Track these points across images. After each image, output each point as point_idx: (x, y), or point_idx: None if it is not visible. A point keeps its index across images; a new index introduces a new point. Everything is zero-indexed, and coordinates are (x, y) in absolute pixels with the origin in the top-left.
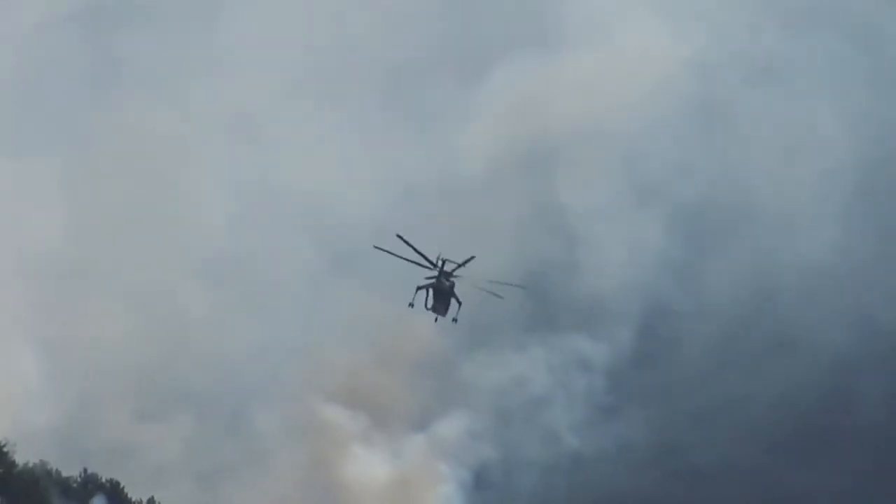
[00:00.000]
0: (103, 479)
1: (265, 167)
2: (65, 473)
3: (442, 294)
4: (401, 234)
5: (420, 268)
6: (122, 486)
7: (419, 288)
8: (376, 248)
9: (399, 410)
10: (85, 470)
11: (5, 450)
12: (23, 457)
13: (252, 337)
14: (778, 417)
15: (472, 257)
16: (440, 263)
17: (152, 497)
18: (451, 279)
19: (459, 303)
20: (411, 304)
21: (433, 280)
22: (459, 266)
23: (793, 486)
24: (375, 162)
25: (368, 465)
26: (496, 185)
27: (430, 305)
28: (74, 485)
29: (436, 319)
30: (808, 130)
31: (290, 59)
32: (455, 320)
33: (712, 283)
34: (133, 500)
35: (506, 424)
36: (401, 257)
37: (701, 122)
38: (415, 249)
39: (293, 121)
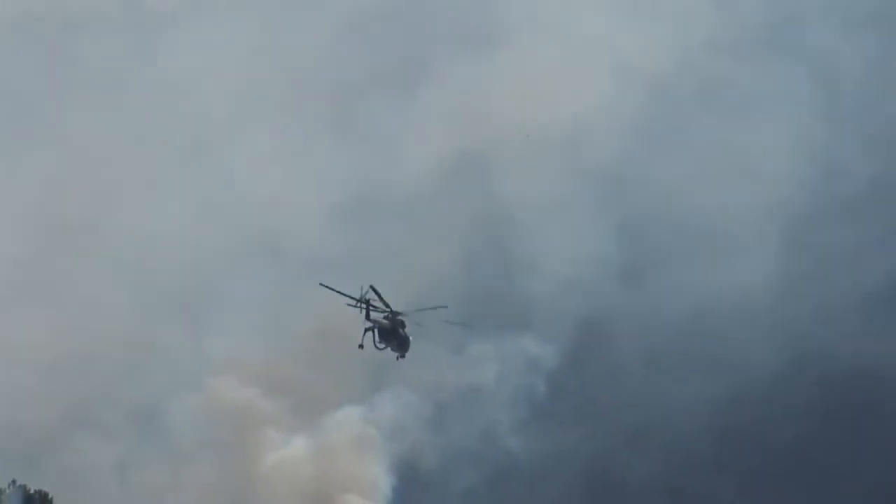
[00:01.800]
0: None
1: (209, 186)
2: None
3: (385, 332)
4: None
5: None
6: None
7: (366, 330)
8: (322, 285)
9: (327, 398)
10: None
11: None
12: None
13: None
14: (708, 433)
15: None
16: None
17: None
18: (398, 317)
19: (407, 339)
20: (361, 346)
21: (378, 319)
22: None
23: (721, 499)
24: (318, 179)
25: (290, 449)
26: (441, 191)
27: (378, 345)
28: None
29: (397, 358)
30: (756, 155)
31: (230, 83)
32: (400, 357)
33: (652, 295)
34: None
35: (437, 416)
36: (345, 295)
37: (650, 132)
38: (361, 301)
39: (237, 141)
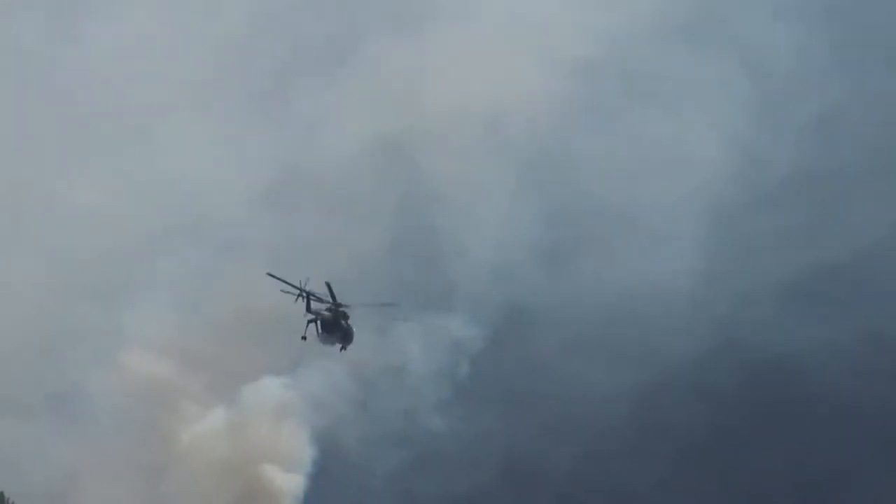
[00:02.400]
0: None
1: (133, 168)
2: None
3: (328, 324)
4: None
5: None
6: None
7: (309, 321)
8: (270, 275)
9: (247, 372)
10: None
11: None
12: None
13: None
14: (628, 420)
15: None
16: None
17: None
18: (341, 308)
19: (350, 330)
20: (304, 337)
21: (320, 311)
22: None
23: (640, 486)
24: (243, 162)
25: (209, 422)
26: (366, 174)
27: (320, 336)
28: None
29: (340, 349)
30: (681, 144)
31: (156, 67)
32: (343, 349)
33: (576, 281)
34: None
35: (360, 393)
36: (292, 285)
37: (578, 119)
38: (304, 292)
39: (162, 124)
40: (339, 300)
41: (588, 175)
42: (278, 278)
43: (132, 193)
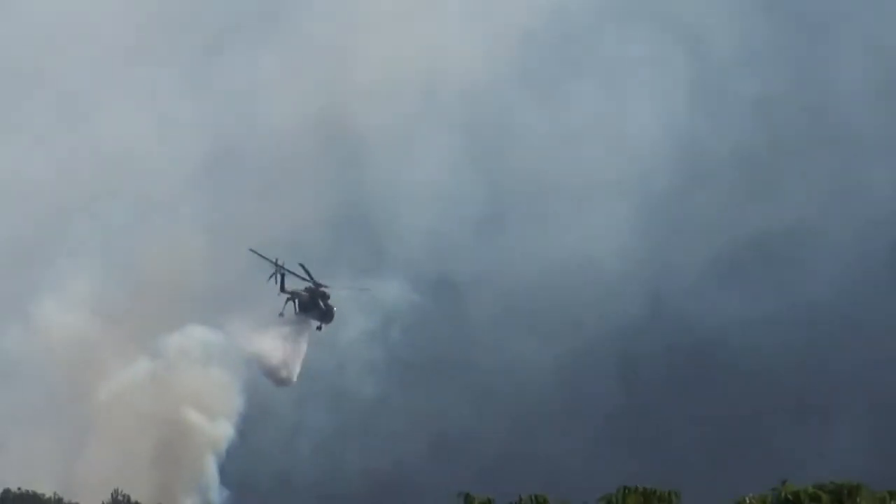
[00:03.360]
0: None
1: (65, 136)
2: None
3: (305, 303)
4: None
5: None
6: None
7: (287, 299)
8: (251, 251)
9: (172, 323)
10: None
11: None
12: None
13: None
14: (556, 392)
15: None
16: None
17: None
18: (321, 289)
19: (331, 310)
20: (281, 314)
21: (297, 291)
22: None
23: (567, 454)
24: (178, 134)
25: (132, 373)
26: (302, 145)
27: (297, 315)
28: None
29: (317, 328)
30: (619, 121)
31: (89, 38)
32: (319, 328)
33: (510, 252)
34: None
35: (288, 349)
36: (273, 262)
37: (518, 89)
38: (281, 269)
39: (96, 94)
40: (316, 280)
41: (523, 146)
42: (259, 254)
43: (56, 161)
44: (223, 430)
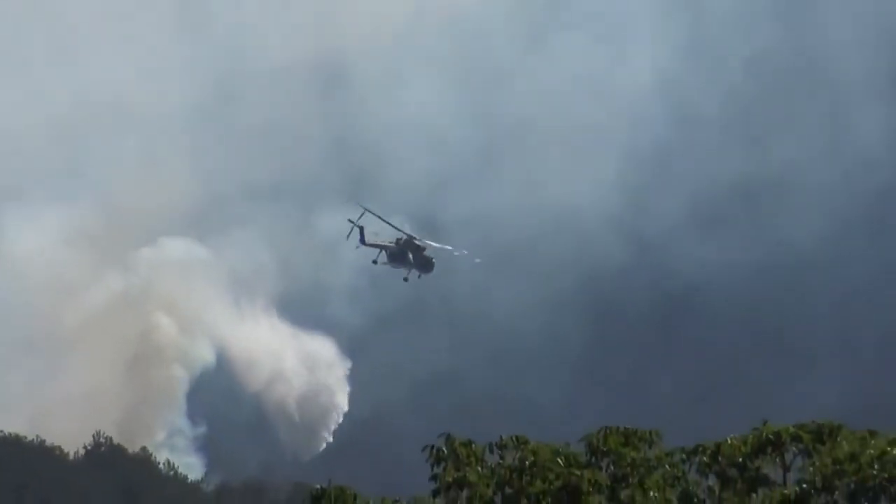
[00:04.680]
0: None
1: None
2: None
3: (394, 255)
4: (367, 207)
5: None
6: None
7: (380, 250)
8: (350, 221)
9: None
10: None
11: None
12: None
13: None
14: (538, 332)
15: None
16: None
17: None
18: (414, 241)
19: (430, 260)
20: (374, 262)
21: (385, 244)
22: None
23: (547, 398)
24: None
25: (103, 287)
26: (292, 86)
27: (392, 265)
28: None
29: (405, 279)
30: (613, 72)
31: None
32: (405, 279)
33: (500, 196)
34: None
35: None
36: (381, 218)
37: (511, 35)
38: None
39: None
40: (412, 235)
41: (517, 92)
42: (369, 210)
43: (43, 96)
44: (200, 349)
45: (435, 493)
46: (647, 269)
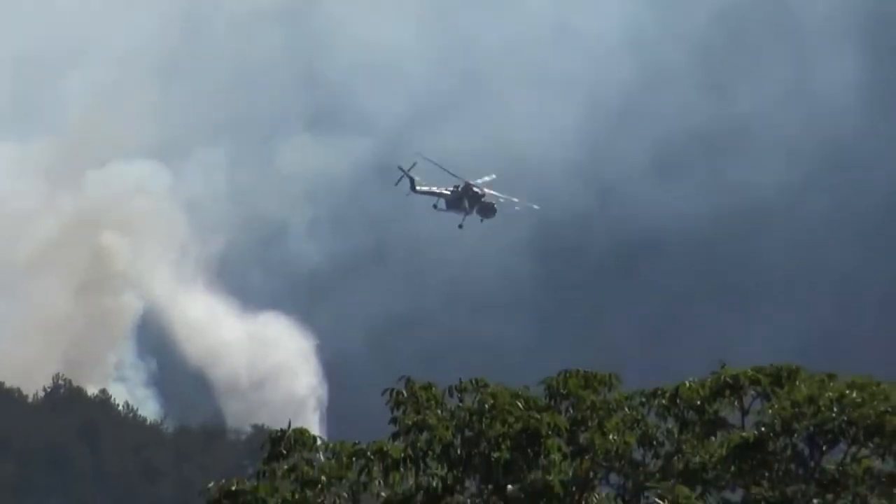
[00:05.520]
0: None
1: None
2: None
3: (451, 201)
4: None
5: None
6: None
7: (436, 196)
8: (400, 168)
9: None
10: None
11: None
12: None
13: None
14: (504, 276)
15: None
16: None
17: None
18: (473, 188)
19: (492, 205)
20: (434, 206)
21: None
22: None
23: (512, 342)
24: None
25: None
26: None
27: (452, 211)
28: None
29: (460, 226)
30: (574, 21)
31: None
32: (460, 226)
33: (456, 134)
34: None
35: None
36: (435, 163)
37: None
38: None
39: None
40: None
41: (483, 38)
42: (426, 157)
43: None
44: (153, 278)
45: (394, 437)
46: (608, 214)
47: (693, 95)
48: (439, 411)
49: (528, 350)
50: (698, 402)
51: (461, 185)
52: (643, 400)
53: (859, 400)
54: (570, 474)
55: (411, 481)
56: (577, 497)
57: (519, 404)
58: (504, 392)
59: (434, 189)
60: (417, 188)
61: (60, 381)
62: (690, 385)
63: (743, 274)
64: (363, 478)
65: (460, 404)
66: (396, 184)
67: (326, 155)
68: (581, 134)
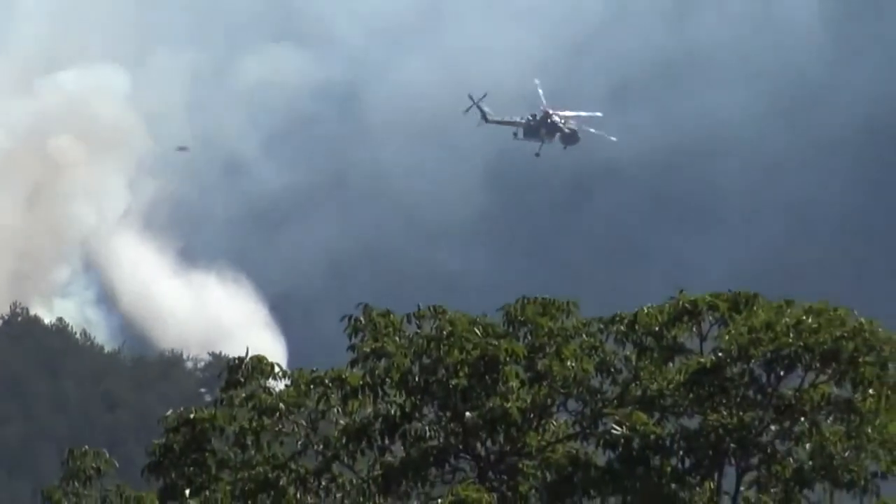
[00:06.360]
0: None
1: None
2: None
3: (527, 131)
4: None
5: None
6: None
7: (514, 126)
8: (469, 97)
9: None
10: None
11: None
12: None
13: None
14: (462, 205)
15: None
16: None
17: None
18: (549, 120)
19: (574, 133)
20: (515, 134)
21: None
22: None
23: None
24: None
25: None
26: None
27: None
28: None
29: (537, 154)
30: None
31: None
32: (537, 154)
33: (412, 67)
34: None
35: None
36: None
37: None
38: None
39: None
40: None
41: None
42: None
43: None
44: (108, 188)
45: (353, 364)
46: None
47: (653, 22)
48: (397, 338)
49: (486, 278)
50: (656, 329)
51: (539, 114)
52: (601, 326)
53: (816, 326)
54: (528, 401)
55: (369, 409)
56: (534, 423)
57: (477, 331)
58: (462, 319)
59: (507, 119)
60: (489, 119)
61: (18, 310)
62: (648, 311)
63: (701, 201)
64: (321, 405)
65: (418, 331)
66: (466, 111)
67: (288, 72)
68: (539, 63)
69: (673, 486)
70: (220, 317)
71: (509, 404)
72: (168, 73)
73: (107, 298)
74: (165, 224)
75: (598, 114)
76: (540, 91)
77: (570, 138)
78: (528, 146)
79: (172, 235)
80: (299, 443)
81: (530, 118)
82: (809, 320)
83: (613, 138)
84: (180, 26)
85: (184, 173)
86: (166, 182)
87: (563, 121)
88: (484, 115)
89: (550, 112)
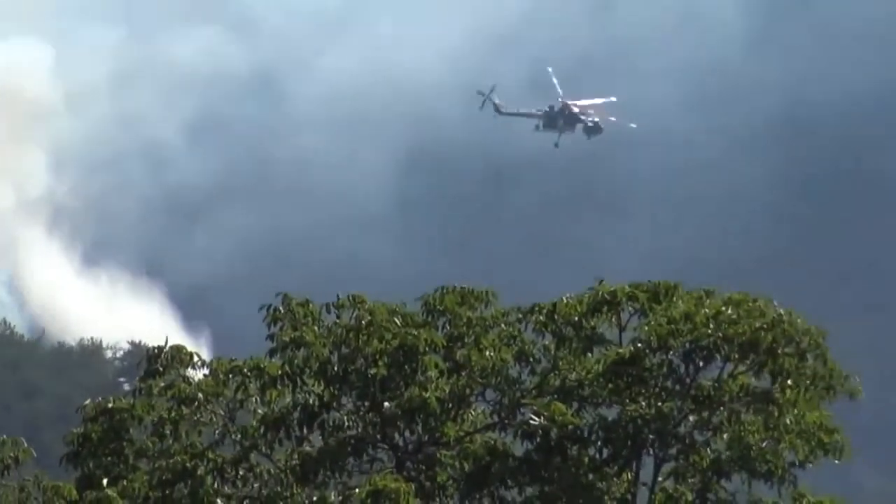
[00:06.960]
0: None
1: None
2: None
3: (546, 123)
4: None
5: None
6: None
7: (535, 118)
8: (479, 93)
9: None
10: None
11: None
12: None
13: None
14: (394, 188)
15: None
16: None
17: None
18: (567, 111)
19: (596, 125)
20: (537, 127)
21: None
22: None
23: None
24: None
25: None
26: None
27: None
28: None
29: (556, 144)
30: None
31: None
32: (556, 144)
33: (338, 51)
34: None
35: None
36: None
37: None
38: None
39: None
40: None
41: None
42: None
43: None
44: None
45: (271, 353)
46: (483, 133)
47: (579, 17)
48: (316, 328)
49: (405, 268)
50: (576, 319)
51: (558, 105)
52: (520, 316)
53: (735, 317)
54: (447, 391)
55: (288, 398)
56: (452, 413)
57: (396, 321)
58: (381, 308)
59: (522, 111)
60: (502, 111)
61: None
62: (567, 301)
63: (621, 192)
64: (240, 395)
65: (337, 321)
66: (481, 107)
67: (214, 56)
68: (463, 55)
69: (591, 476)
70: (132, 308)
71: (428, 394)
72: (92, 50)
73: (20, 287)
74: (81, 210)
75: (613, 98)
76: (554, 80)
77: (594, 130)
78: (543, 136)
79: (86, 222)
80: (217, 432)
81: (548, 108)
82: (729, 311)
83: (633, 125)
84: (108, 2)
85: (103, 155)
86: (85, 165)
87: (581, 111)
88: (497, 108)
89: (568, 103)
